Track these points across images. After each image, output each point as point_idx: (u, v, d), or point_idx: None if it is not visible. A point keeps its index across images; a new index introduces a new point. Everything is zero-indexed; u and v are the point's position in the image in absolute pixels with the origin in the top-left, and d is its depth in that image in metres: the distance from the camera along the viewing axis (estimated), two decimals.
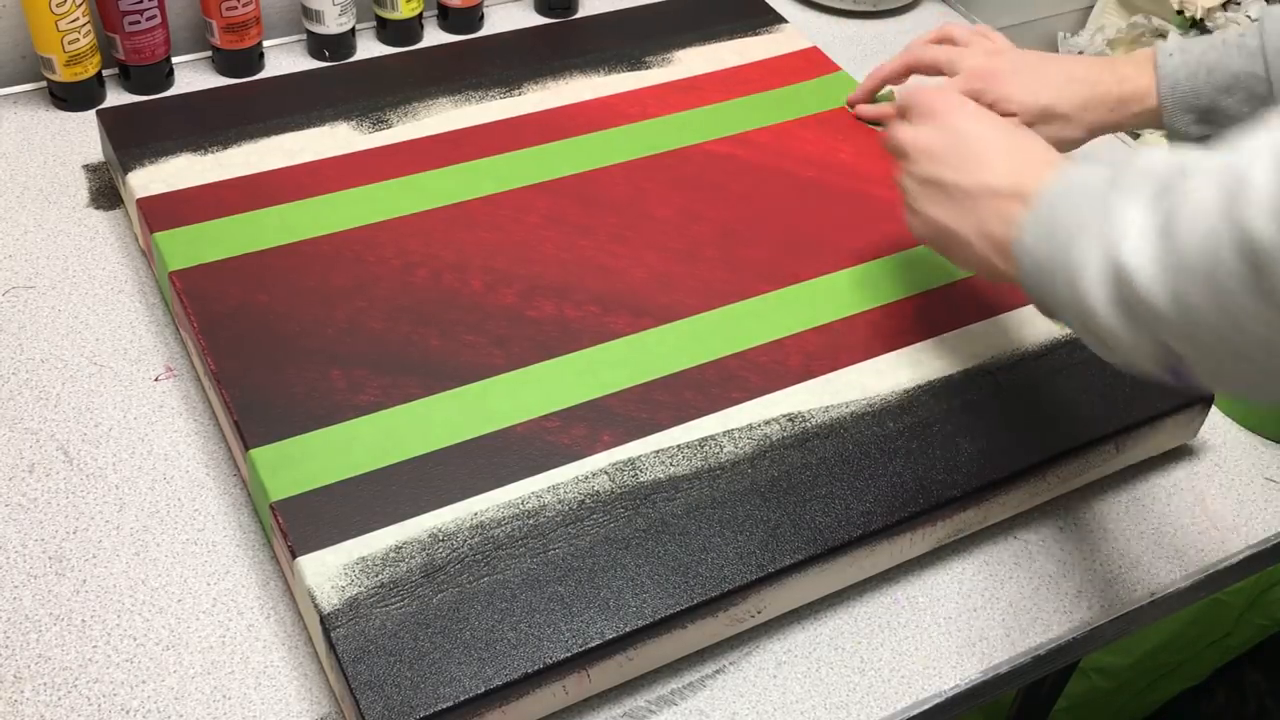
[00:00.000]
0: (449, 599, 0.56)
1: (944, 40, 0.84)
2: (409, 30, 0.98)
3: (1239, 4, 1.48)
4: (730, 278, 0.73)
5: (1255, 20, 1.45)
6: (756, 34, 0.95)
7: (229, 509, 0.64)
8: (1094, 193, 0.50)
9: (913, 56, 0.84)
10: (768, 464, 0.63)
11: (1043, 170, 0.56)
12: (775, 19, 0.97)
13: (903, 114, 0.66)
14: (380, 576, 0.56)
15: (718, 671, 0.60)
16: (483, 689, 0.53)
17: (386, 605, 0.55)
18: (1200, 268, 0.43)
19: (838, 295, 0.73)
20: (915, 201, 0.62)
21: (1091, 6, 1.56)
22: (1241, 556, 0.69)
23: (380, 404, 0.64)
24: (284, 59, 0.96)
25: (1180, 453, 0.73)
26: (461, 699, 0.52)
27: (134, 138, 0.78)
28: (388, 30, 0.98)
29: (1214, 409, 0.75)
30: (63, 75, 0.87)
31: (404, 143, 0.80)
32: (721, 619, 0.59)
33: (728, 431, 0.64)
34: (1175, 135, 0.76)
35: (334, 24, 0.94)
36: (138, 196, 0.74)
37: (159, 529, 0.63)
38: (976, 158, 0.59)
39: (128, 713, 0.56)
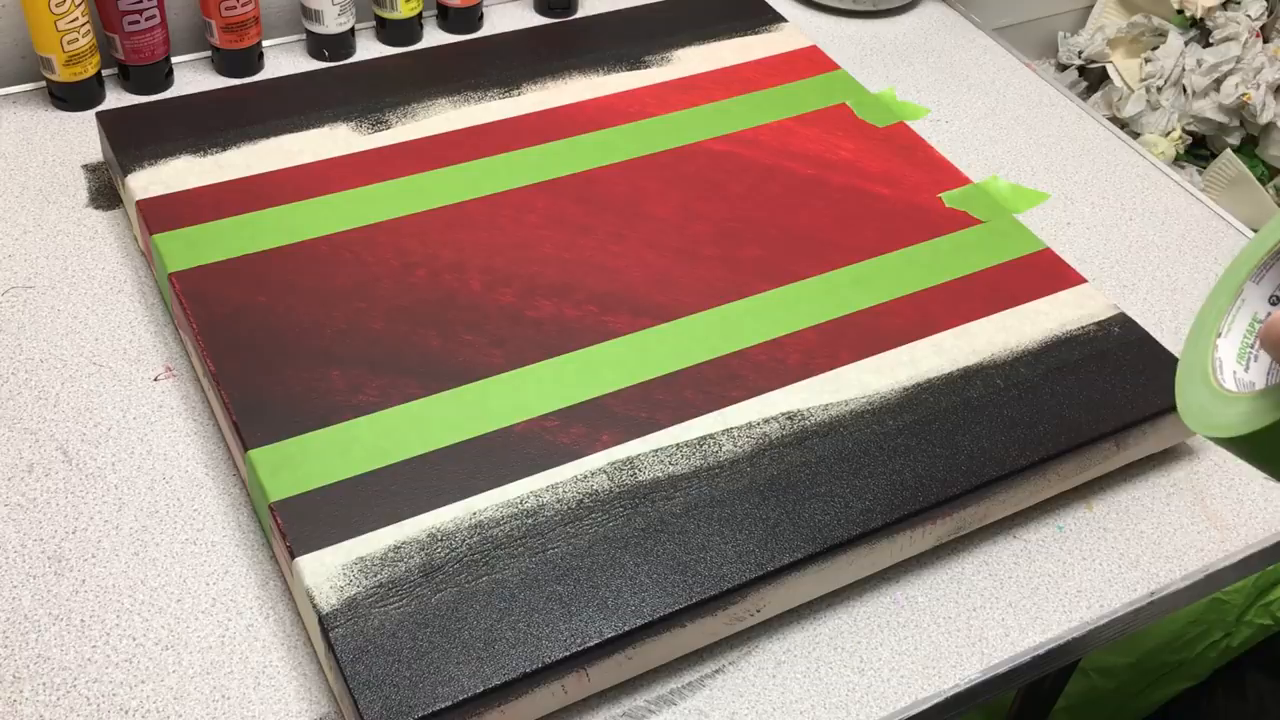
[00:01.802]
0: (447, 599, 0.56)
1: None
2: (408, 30, 0.98)
3: (1239, 4, 1.48)
4: (729, 276, 0.73)
5: (1255, 20, 1.45)
6: (756, 33, 0.95)
7: (228, 509, 0.64)
8: None
9: None
10: (767, 462, 0.63)
11: None
12: (775, 18, 0.97)
13: None
14: (379, 576, 0.56)
15: (717, 671, 0.60)
16: (481, 688, 0.53)
17: (385, 605, 0.55)
18: None
19: (837, 293, 0.73)
20: None
21: (1091, 6, 1.56)
22: (1241, 556, 0.68)
23: (379, 404, 0.64)
24: (284, 59, 0.96)
25: (1180, 452, 0.73)
26: (460, 698, 0.52)
27: (133, 140, 0.78)
28: (387, 30, 0.98)
29: None
30: (62, 75, 0.87)
31: (403, 143, 0.80)
32: (720, 618, 0.59)
33: (727, 430, 0.64)
34: None
35: (333, 24, 0.94)
36: (137, 198, 0.74)
37: (158, 529, 0.63)
38: None
39: (126, 713, 0.56)
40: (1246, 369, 0.49)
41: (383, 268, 0.71)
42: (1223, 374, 0.49)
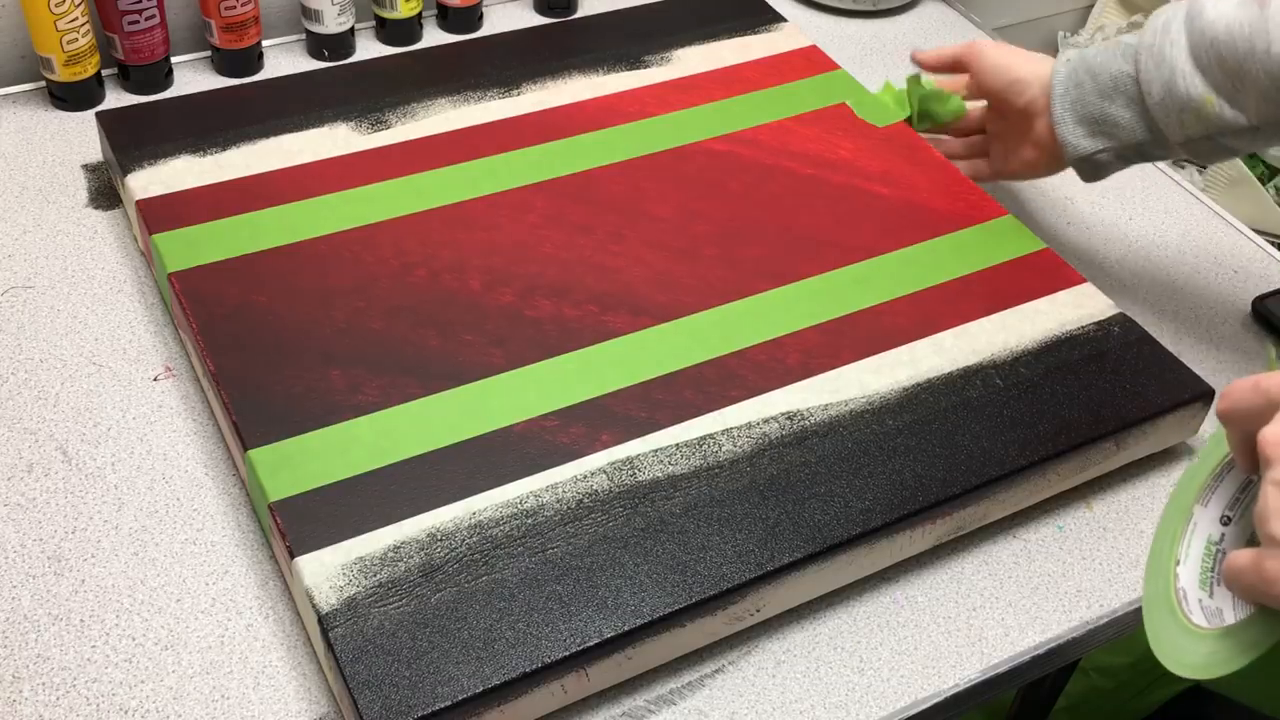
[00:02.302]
0: (447, 598, 0.56)
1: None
2: (408, 30, 0.98)
3: None
4: (729, 276, 0.73)
5: None
6: (756, 33, 0.95)
7: (228, 509, 0.64)
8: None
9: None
10: (766, 462, 0.63)
11: None
12: (774, 18, 0.97)
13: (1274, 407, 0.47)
14: (378, 576, 0.56)
15: (716, 671, 0.60)
16: (481, 688, 0.53)
17: (385, 605, 0.55)
18: None
19: (837, 293, 0.73)
20: None
21: (1091, 6, 1.56)
22: None
23: (379, 404, 0.63)
24: (283, 59, 0.96)
25: (1180, 451, 0.73)
26: (460, 698, 0.52)
27: (133, 139, 0.78)
28: (387, 30, 0.98)
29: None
30: (62, 75, 0.87)
31: (403, 143, 0.80)
32: (720, 618, 0.59)
33: (726, 430, 0.64)
34: (1070, 152, 0.75)
35: (333, 24, 0.94)
36: (137, 198, 0.74)
37: (158, 529, 0.63)
38: None
39: (126, 712, 0.56)
40: (1210, 594, 0.49)
41: (382, 267, 0.71)
42: (1188, 604, 0.49)
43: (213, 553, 0.62)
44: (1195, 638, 0.48)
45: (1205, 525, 0.51)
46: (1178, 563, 0.50)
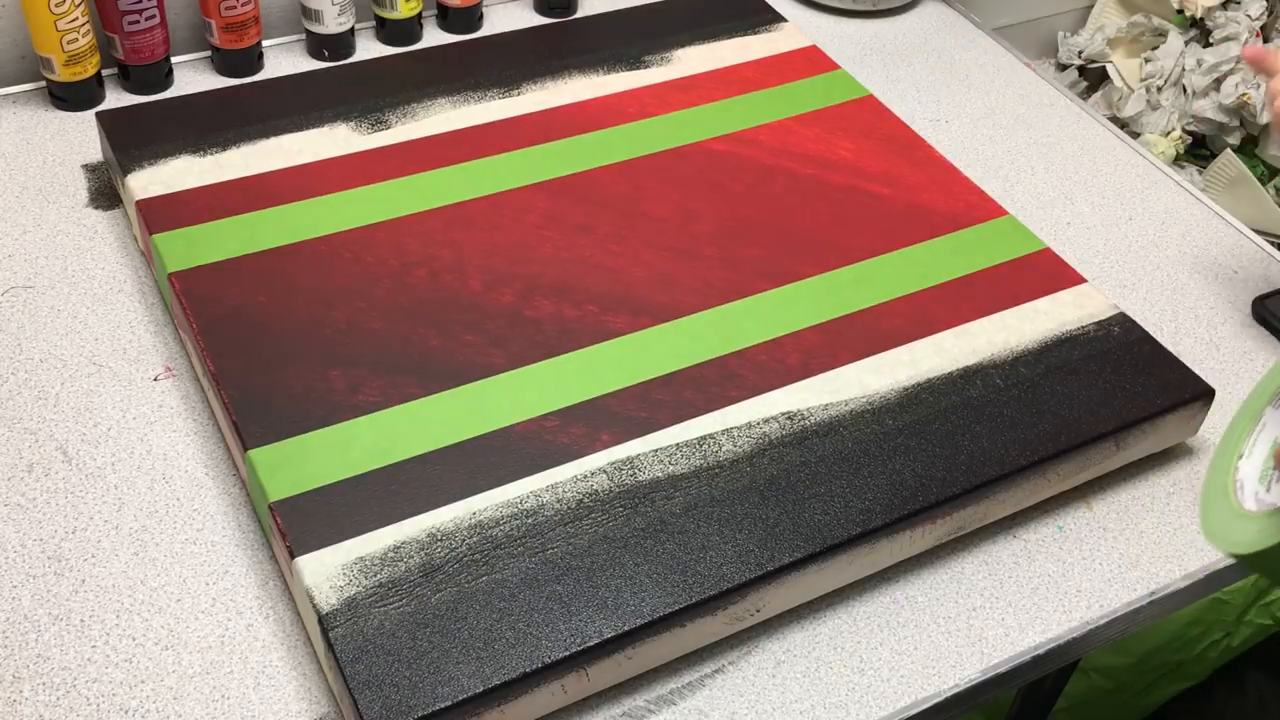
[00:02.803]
0: (447, 599, 0.56)
1: None
2: (408, 30, 0.98)
3: (1239, 4, 1.48)
4: (729, 276, 0.73)
5: (1255, 20, 1.45)
6: (756, 33, 0.95)
7: (228, 509, 0.64)
8: None
9: None
10: (766, 462, 0.63)
11: None
12: (774, 18, 0.97)
13: None
14: (379, 576, 0.56)
15: (716, 671, 0.60)
16: (481, 688, 0.53)
17: (385, 605, 0.55)
18: None
19: (837, 293, 0.73)
20: None
21: (1091, 6, 1.56)
22: None
23: (379, 404, 0.64)
24: (283, 59, 0.96)
25: (1180, 451, 0.73)
26: (460, 698, 0.52)
27: (133, 140, 0.78)
28: (387, 30, 0.98)
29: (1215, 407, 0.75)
30: (62, 75, 0.87)
31: (403, 143, 0.80)
32: (720, 618, 0.59)
33: (726, 430, 0.64)
34: None
35: (333, 24, 0.94)
36: (137, 198, 0.74)
37: (158, 529, 0.63)
38: None
39: (126, 712, 0.56)
40: (1268, 489, 0.51)
41: (382, 268, 0.71)
42: (1243, 495, 0.51)
43: (213, 553, 0.62)
44: (1245, 519, 0.49)
45: (1274, 427, 0.53)
46: (1240, 456, 0.52)
